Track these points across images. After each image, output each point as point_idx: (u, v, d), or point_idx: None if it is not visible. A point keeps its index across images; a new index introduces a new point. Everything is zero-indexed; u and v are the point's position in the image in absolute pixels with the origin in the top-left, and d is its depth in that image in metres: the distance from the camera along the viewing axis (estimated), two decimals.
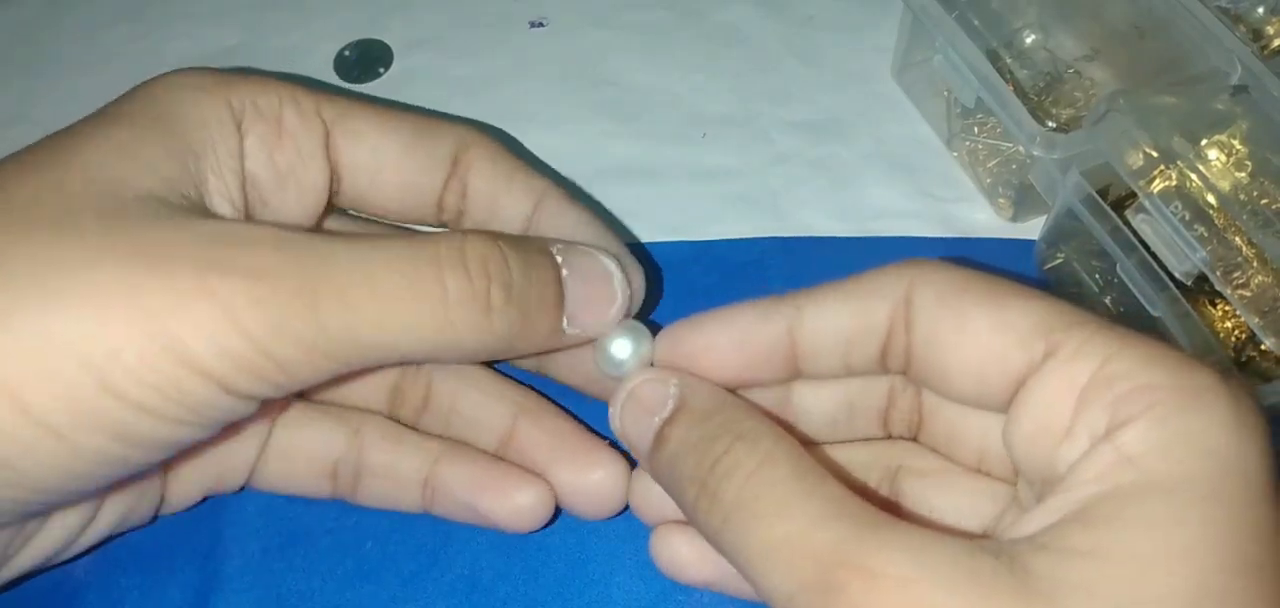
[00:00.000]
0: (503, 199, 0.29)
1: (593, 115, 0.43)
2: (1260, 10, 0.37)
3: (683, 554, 0.28)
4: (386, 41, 0.46)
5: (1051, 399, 0.21)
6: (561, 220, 0.29)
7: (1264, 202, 0.31)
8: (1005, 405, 0.22)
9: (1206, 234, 0.30)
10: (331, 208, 0.29)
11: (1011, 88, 0.36)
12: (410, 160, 0.28)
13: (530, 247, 0.26)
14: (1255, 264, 0.30)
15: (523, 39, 0.46)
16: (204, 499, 0.30)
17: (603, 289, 0.27)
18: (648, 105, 0.43)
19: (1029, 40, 0.40)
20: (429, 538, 0.30)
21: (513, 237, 0.26)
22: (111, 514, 0.28)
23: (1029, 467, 0.22)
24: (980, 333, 0.22)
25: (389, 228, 0.32)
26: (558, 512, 0.30)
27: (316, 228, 0.29)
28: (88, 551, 0.28)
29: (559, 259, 0.26)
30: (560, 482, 0.29)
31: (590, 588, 0.30)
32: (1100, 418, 0.20)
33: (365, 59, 0.45)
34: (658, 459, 0.24)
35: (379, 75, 0.45)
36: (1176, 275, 0.31)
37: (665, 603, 0.29)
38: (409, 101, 0.43)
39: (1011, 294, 0.22)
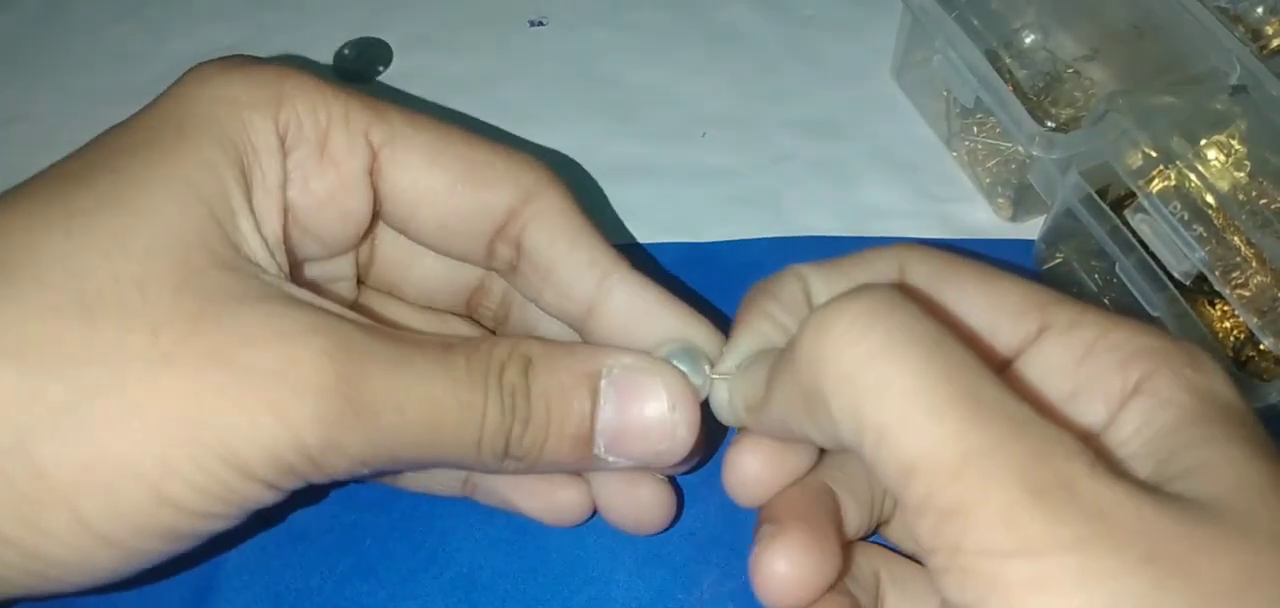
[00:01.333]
0: (559, 269, 0.26)
1: (592, 114, 0.43)
2: (1259, 10, 0.37)
3: (752, 468, 0.25)
4: (387, 39, 0.46)
5: (1054, 368, 0.22)
6: (629, 304, 0.26)
7: (1263, 201, 0.31)
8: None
9: (1205, 234, 0.30)
10: (376, 223, 0.27)
11: (1011, 88, 0.36)
12: (454, 201, 0.26)
13: (562, 370, 0.24)
14: (1254, 264, 0.30)
15: (523, 38, 0.46)
16: None
17: (652, 419, 0.25)
18: (647, 105, 0.43)
19: (1028, 40, 0.40)
20: (427, 536, 0.30)
21: (551, 353, 0.24)
22: None
23: None
24: (974, 310, 0.23)
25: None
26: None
27: (382, 283, 0.29)
28: None
29: (605, 384, 0.25)
30: (603, 493, 0.29)
31: (589, 586, 0.30)
32: (1114, 378, 0.21)
33: (364, 57, 0.45)
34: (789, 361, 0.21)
35: (378, 74, 0.45)
36: (1175, 275, 0.31)
37: (664, 601, 0.29)
38: (407, 99, 0.43)
39: (1000, 275, 0.23)
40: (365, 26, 0.46)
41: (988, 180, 0.40)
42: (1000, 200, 0.39)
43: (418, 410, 0.23)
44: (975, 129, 0.40)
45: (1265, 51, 0.36)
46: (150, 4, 0.48)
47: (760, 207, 0.39)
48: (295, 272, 0.26)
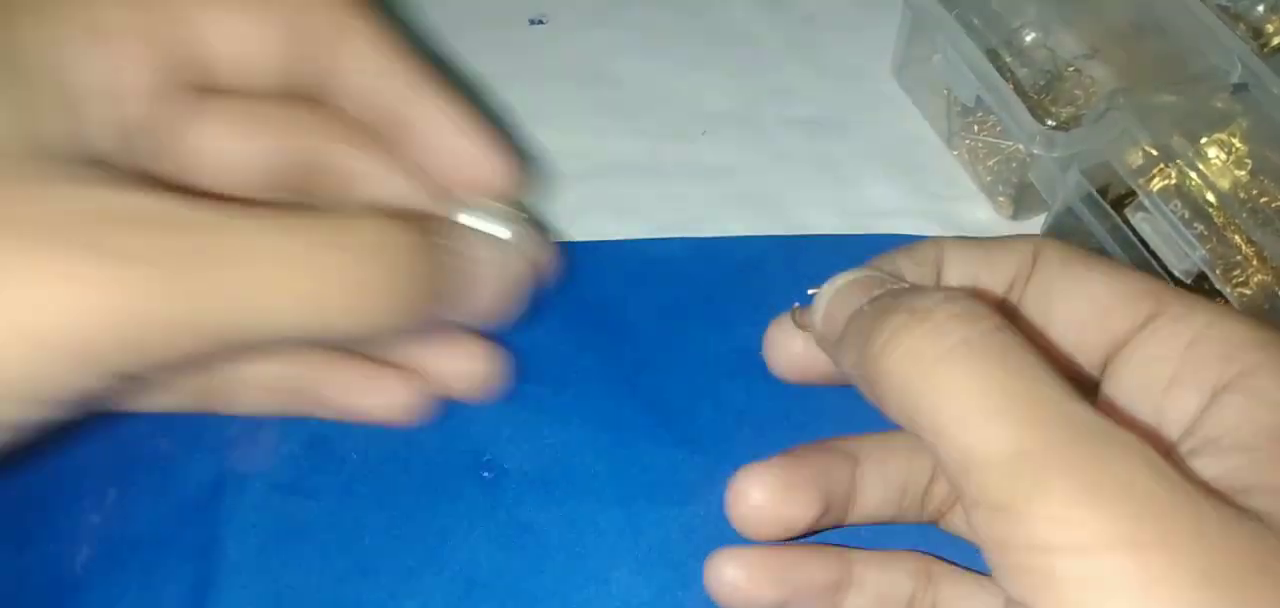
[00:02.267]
0: (374, 95, 0.28)
1: (592, 112, 0.43)
2: (1260, 8, 0.37)
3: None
4: None
5: (1158, 352, 0.22)
6: (432, 125, 0.28)
7: (1263, 200, 0.31)
8: (1098, 356, 0.24)
9: (1206, 232, 0.30)
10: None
11: (1011, 86, 0.36)
12: (262, 31, 0.26)
13: (424, 226, 0.25)
14: (1255, 263, 0.30)
15: (522, 36, 0.46)
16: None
17: (493, 278, 0.26)
18: (647, 102, 0.43)
19: (1029, 39, 0.40)
20: (427, 534, 0.30)
21: (405, 212, 0.24)
22: None
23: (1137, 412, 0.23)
24: (1096, 289, 0.24)
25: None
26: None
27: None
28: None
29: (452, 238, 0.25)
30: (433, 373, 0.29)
31: (589, 584, 0.30)
32: (1212, 368, 0.21)
33: None
34: (867, 310, 0.22)
35: None
36: (1176, 274, 0.31)
37: (664, 599, 0.29)
38: None
39: (1123, 265, 0.25)
40: None
41: (988, 179, 0.40)
42: (1001, 199, 0.39)
43: (258, 269, 0.21)
44: (976, 127, 0.40)
45: (1266, 50, 0.36)
46: None
47: (760, 204, 0.39)
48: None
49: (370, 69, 0.27)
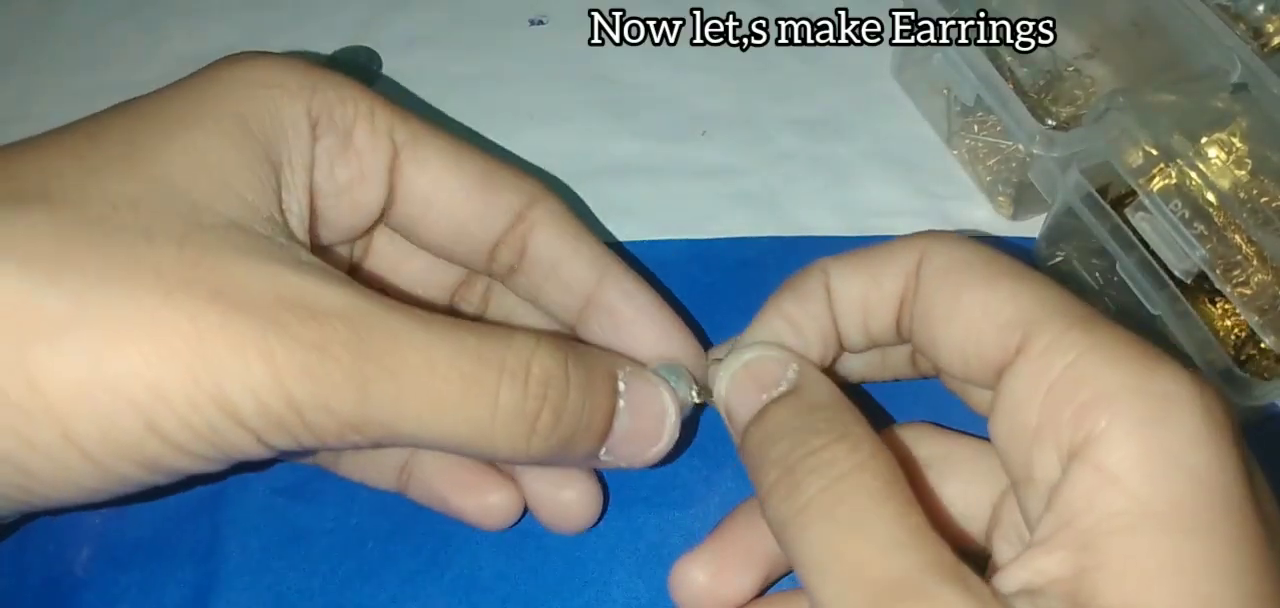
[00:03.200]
0: (564, 270, 0.28)
1: (592, 113, 0.43)
2: (1260, 8, 0.37)
3: (700, 583, 0.27)
4: (388, 36, 0.46)
5: (1023, 396, 0.21)
6: (625, 304, 0.28)
7: (1264, 199, 0.31)
8: (991, 386, 0.22)
9: (1206, 232, 0.30)
10: (380, 222, 0.28)
11: (1011, 86, 0.36)
12: (470, 204, 0.27)
13: (596, 370, 0.25)
14: (1255, 262, 0.30)
15: (523, 36, 0.46)
16: None
17: (653, 428, 0.26)
18: (647, 103, 0.43)
19: None
20: (429, 538, 0.30)
21: (581, 352, 0.25)
22: None
23: (1008, 463, 0.22)
24: (970, 314, 0.22)
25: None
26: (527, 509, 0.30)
27: (371, 278, 0.29)
28: None
29: (622, 387, 0.26)
30: (532, 491, 0.29)
31: (589, 587, 0.30)
32: (1066, 426, 0.20)
33: (350, 66, 0.45)
34: (752, 434, 0.24)
35: (371, 79, 0.44)
36: (1176, 274, 0.31)
37: (664, 601, 0.29)
38: (407, 98, 0.43)
39: (1006, 276, 0.22)
40: (365, 24, 0.46)
41: (988, 179, 0.40)
42: (1001, 199, 0.39)
43: (421, 381, 0.22)
44: (976, 127, 0.40)
45: (1266, 49, 0.36)
46: (148, 3, 0.48)
47: (760, 205, 0.39)
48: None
49: (560, 243, 0.28)
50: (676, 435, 0.27)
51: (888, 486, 0.21)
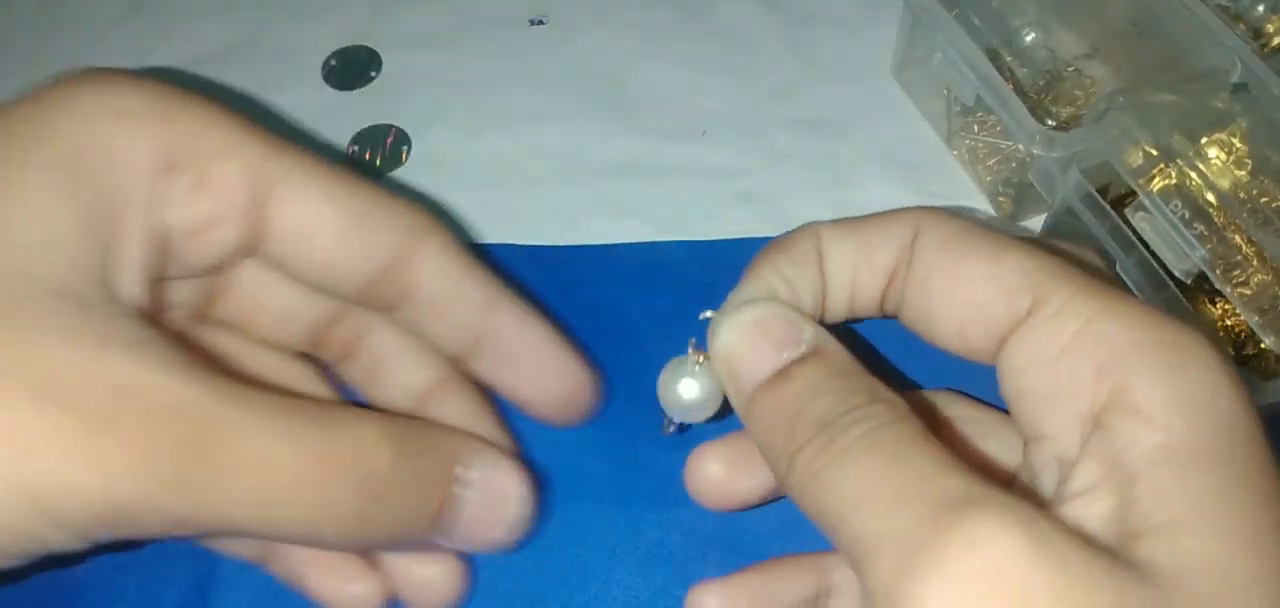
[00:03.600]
0: (455, 302, 0.27)
1: (592, 113, 0.43)
2: (1260, 8, 0.37)
3: (715, 474, 0.27)
4: (387, 37, 0.46)
5: (1037, 356, 0.21)
6: (518, 336, 0.28)
7: (1264, 200, 0.31)
8: (990, 356, 0.22)
9: (1206, 232, 0.30)
10: (245, 257, 0.26)
11: (1011, 86, 0.36)
12: (346, 241, 0.26)
13: (430, 459, 0.25)
14: (1255, 262, 0.30)
15: (523, 36, 0.46)
16: None
17: (498, 514, 0.26)
18: (647, 103, 0.43)
19: (1029, 38, 0.40)
20: None
21: (418, 441, 0.24)
22: None
23: (1021, 421, 0.22)
24: (972, 281, 0.22)
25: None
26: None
27: (229, 312, 0.28)
28: None
29: (469, 474, 0.25)
30: (393, 571, 0.28)
31: (589, 585, 0.30)
32: (1088, 380, 0.20)
33: (348, 68, 0.45)
34: (771, 395, 0.23)
35: (371, 79, 0.44)
36: (1176, 274, 0.31)
37: (664, 599, 0.29)
38: (407, 99, 0.43)
39: (1009, 247, 0.22)
40: (364, 24, 0.46)
41: (988, 179, 0.40)
42: (1001, 199, 0.39)
43: (251, 478, 0.21)
44: (976, 127, 0.40)
45: (1266, 49, 0.36)
46: (148, 3, 0.48)
47: (760, 205, 0.39)
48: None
49: (445, 281, 0.27)
50: (525, 521, 0.27)
51: (927, 434, 0.20)
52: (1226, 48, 0.33)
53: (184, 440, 0.20)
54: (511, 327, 0.28)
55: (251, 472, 0.21)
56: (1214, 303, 0.33)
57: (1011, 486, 0.25)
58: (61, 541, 0.20)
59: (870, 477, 0.19)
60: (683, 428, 0.27)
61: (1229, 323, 0.33)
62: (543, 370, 0.29)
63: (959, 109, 0.40)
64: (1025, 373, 0.21)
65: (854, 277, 0.25)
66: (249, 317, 0.29)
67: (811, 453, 0.21)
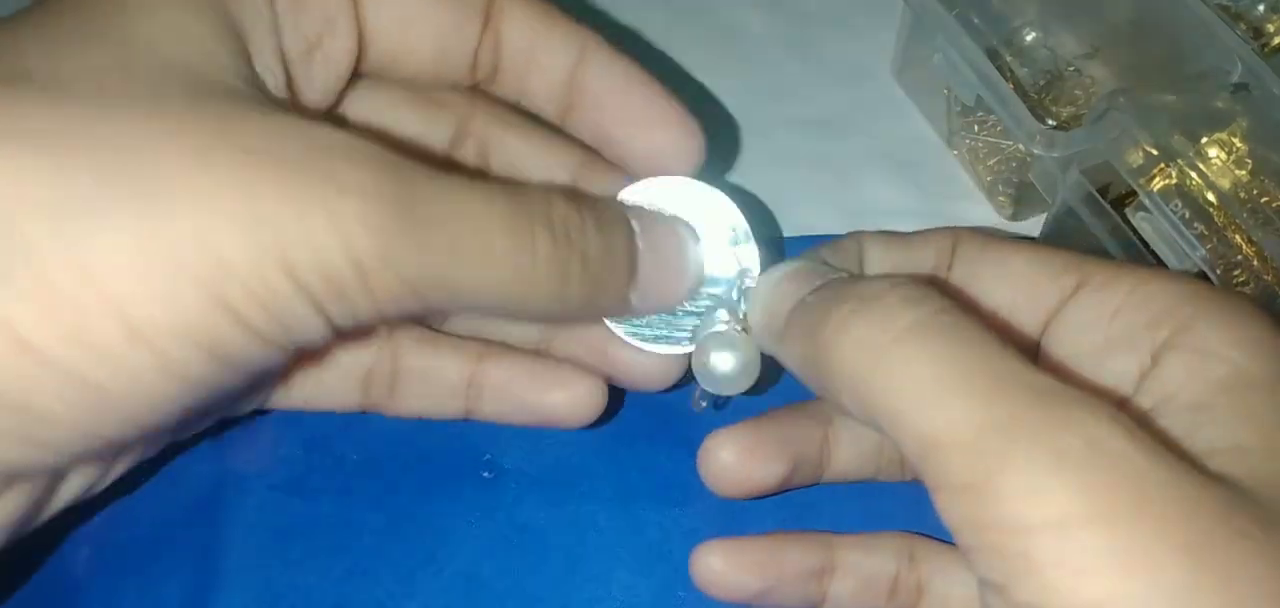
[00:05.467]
0: (542, 54, 0.27)
1: None
2: (1260, 8, 0.37)
3: (725, 461, 0.27)
4: None
5: (1089, 321, 0.22)
6: (608, 79, 0.27)
7: (1264, 200, 0.31)
8: (1037, 334, 0.24)
9: (1206, 232, 0.30)
10: (357, 77, 0.26)
11: (1011, 86, 0.36)
12: (441, 14, 0.26)
13: (609, 216, 0.24)
14: (1255, 263, 0.30)
15: None
16: (215, 424, 0.29)
17: (675, 263, 0.26)
18: None
19: (1029, 38, 0.40)
20: (427, 534, 0.30)
21: (592, 200, 0.24)
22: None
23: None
24: (1017, 264, 0.24)
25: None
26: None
27: (343, 118, 0.27)
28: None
29: (636, 227, 0.25)
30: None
31: (588, 585, 0.30)
32: (1143, 331, 0.21)
33: None
34: (806, 303, 0.23)
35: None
36: None
37: (664, 599, 0.29)
38: None
39: (1046, 246, 0.25)
40: None
41: (989, 179, 0.40)
42: (1001, 199, 0.39)
43: (468, 230, 0.21)
44: (976, 127, 0.40)
45: (1267, 49, 0.36)
46: None
47: (759, 205, 0.39)
48: None
49: (531, 24, 0.27)
50: (702, 272, 0.26)
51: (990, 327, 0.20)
52: (1226, 48, 0.33)
53: (401, 196, 0.20)
54: (601, 70, 0.27)
55: (467, 223, 0.21)
56: None
57: None
58: (307, 318, 0.19)
59: (933, 367, 0.18)
60: (719, 404, 0.27)
61: None
62: (639, 113, 0.27)
63: (959, 109, 0.40)
64: (1080, 334, 0.23)
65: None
66: None
67: (861, 326, 0.20)
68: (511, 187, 0.22)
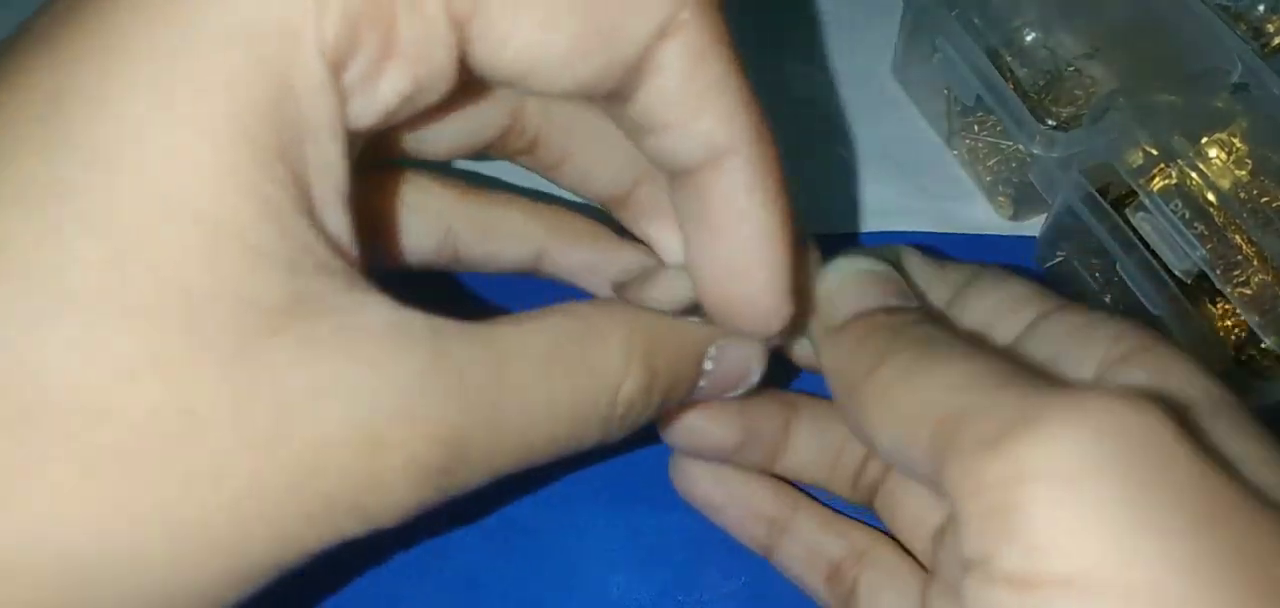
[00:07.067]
0: (676, 134, 0.20)
1: None
2: (1260, 8, 0.37)
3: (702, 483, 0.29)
4: None
5: (1043, 340, 0.23)
6: (733, 199, 0.21)
7: (1264, 200, 0.31)
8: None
9: (1206, 232, 0.30)
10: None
11: (1011, 86, 0.36)
12: (577, 67, 0.19)
13: (684, 363, 0.24)
14: (1255, 262, 0.30)
15: None
16: None
17: (733, 381, 0.25)
18: None
19: (1029, 38, 0.40)
20: (427, 536, 0.30)
21: (671, 353, 0.23)
22: None
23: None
24: (980, 305, 0.24)
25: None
26: None
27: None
28: None
29: (710, 366, 0.24)
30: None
31: (588, 586, 0.30)
32: (1099, 348, 0.21)
33: None
34: (869, 319, 0.23)
35: None
36: (1176, 274, 0.31)
37: (664, 601, 0.29)
38: None
39: (1015, 278, 0.25)
40: None
41: (988, 179, 0.40)
42: (1001, 199, 0.39)
43: (532, 424, 0.21)
44: (976, 127, 0.40)
45: (1266, 50, 0.36)
46: None
47: None
48: None
49: (688, 83, 0.20)
50: (759, 373, 0.25)
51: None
52: (1226, 48, 0.33)
53: (458, 437, 0.19)
54: (732, 194, 0.21)
55: (528, 423, 0.21)
56: (1214, 303, 0.33)
57: None
58: (415, 500, 0.20)
59: (946, 378, 0.19)
60: None
61: (1229, 323, 0.32)
62: (737, 267, 0.22)
63: (959, 109, 0.40)
64: (1032, 351, 0.23)
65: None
66: (417, 143, 0.25)
67: (901, 363, 0.20)
68: (580, 357, 0.21)
